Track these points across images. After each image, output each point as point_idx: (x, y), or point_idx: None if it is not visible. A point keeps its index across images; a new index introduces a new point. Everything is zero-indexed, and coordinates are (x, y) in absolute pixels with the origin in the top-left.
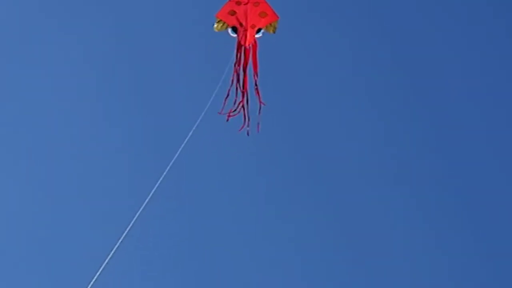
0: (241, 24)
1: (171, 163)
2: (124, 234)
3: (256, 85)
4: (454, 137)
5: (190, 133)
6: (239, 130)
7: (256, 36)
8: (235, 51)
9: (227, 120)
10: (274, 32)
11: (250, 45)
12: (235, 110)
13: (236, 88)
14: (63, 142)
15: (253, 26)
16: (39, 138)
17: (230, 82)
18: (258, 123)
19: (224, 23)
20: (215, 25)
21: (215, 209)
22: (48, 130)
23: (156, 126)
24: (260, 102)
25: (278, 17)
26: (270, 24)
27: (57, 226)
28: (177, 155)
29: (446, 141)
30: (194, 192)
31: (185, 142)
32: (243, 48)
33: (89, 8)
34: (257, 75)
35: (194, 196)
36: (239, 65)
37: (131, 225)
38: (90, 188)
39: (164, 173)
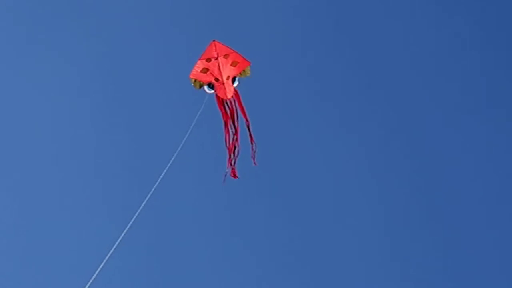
0: (216, 79)
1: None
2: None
3: (249, 130)
4: None
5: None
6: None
7: (234, 85)
8: (219, 107)
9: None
10: (248, 74)
11: (233, 96)
12: (233, 163)
13: (229, 142)
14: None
15: (228, 78)
16: (27, 146)
17: (225, 140)
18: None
19: (200, 81)
20: (192, 84)
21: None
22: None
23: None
24: (252, 142)
25: (249, 63)
26: (244, 71)
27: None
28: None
29: None
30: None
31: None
32: (225, 101)
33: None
34: (248, 121)
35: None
36: (226, 119)
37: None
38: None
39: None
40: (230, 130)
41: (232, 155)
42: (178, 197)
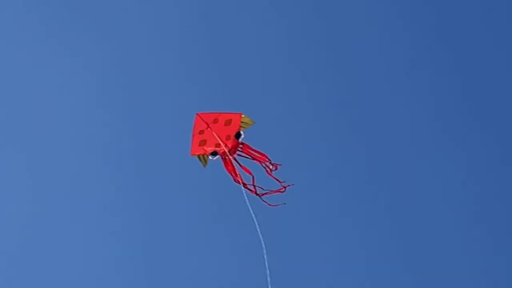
0: (217, 146)
1: None
2: None
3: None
4: None
5: None
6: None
7: (240, 140)
8: (228, 170)
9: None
10: (252, 123)
11: (240, 149)
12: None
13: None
14: None
15: (228, 137)
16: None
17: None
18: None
19: (203, 155)
20: (201, 162)
21: None
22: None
23: None
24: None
25: (240, 114)
26: (243, 122)
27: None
28: None
29: None
30: None
31: None
32: (233, 161)
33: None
34: (269, 161)
35: None
36: (239, 178)
37: None
38: None
39: None
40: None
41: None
42: None
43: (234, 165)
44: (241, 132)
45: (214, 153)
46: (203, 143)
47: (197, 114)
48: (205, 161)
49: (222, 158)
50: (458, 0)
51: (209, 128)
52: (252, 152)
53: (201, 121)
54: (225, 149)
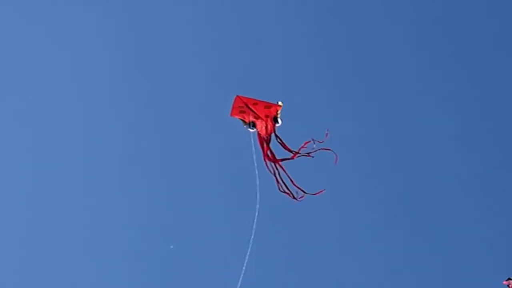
0: (256, 118)
1: None
2: None
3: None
4: None
5: None
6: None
7: (277, 125)
8: (260, 144)
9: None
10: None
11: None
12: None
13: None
14: None
15: (267, 116)
16: None
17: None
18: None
19: (243, 119)
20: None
21: None
22: None
23: None
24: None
25: (281, 106)
26: (277, 112)
27: None
28: None
29: None
30: None
31: None
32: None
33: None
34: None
35: None
36: (269, 158)
37: None
38: None
39: None
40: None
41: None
42: None
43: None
44: (279, 119)
45: (252, 125)
46: (243, 112)
47: (237, 96)
48: (245, 123)
49: (258, 133)
50: None
51: (248, 108)
52: (284, 144)
53: (241, 101)
54: (265, 125)
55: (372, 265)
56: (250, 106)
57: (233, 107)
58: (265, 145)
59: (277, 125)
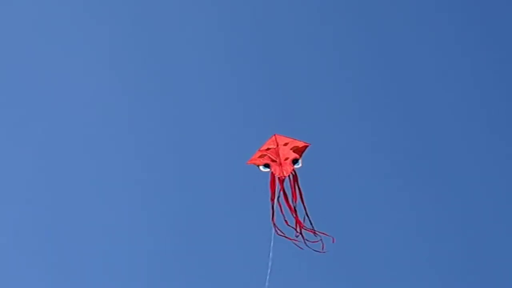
0: (273, 161)
1: None
2: None
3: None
4: None
5: None
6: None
7: (296, 167)
8: (270, 186)
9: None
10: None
11: (289, 176)
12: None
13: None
14: None
15: (286, 159)
16: None
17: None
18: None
19: (257, 164)
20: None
21: None
22: None
23: None
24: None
25: (308, 144)
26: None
27: None
28: None
29: None
30: None
31: None
32: (280, 180)
33: None
34: (303, 204)
35: None
36: (287, 201)
37: None
38: None
39: None
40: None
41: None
42: None
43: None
44: (300, 161)
45: (267, 166)
46: (262, 156)
47: (274, 134)
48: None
49: (271, 174)
50: None
51: (276, 148)
52: (298, 186)
53: (274, 141)
54: (283, 165)
55: None
56: (279, 147)
57: (260, 150)
58: (278, 186)
59: (296, 166)
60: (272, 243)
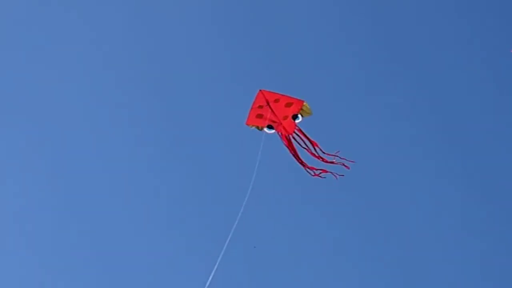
0: (273, 122)
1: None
2: None
3: (320, 156)
4: None
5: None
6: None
7: (297, 121)
8: (285, 143)
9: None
10: (311, 113)
11: (296, 132)
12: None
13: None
14: None
15: (285, 117)
16: None
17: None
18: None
19: (258, 126)
20: (251, 127)
21: None
22: None
23: None
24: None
25: (303, 101)
26: (303, 110)
27: None
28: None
29: None
30: None
31: None
32: (290, 137)
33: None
34: (318, 147)
35: None
36: (295, 154)
37: None
38: None
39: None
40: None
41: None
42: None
43: (292, 142)
44: (299, 115)
45: (270, 127)
46: (260, 116)
47: (260, 90)
48: (258, 128)
49: (279, 134)
50: None
51: (268, 105)
52: (307, 137)
53: (263, 97)
54: (284, 125)
55: None
56: (271, 105)
57: (252, 108)
58: (291, 144)
59: (297, 121)
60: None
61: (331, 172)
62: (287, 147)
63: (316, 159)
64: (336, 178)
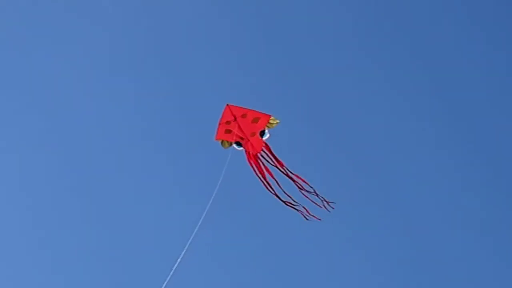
0: (241, 138)
1: None
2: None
3: (289, 177)
4: None
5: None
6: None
7: (264, 139)
8: (249, 162)
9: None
10: (278, 122)
11: (263, 149)
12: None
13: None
14: None
15: (253, 134)
16: None
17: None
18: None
19: (227, 141)
20: (221, 144)
21: None
22: None
23: None
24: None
25: (269, 116)
26: (270, 123)
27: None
28: None
29: None
30: None
31: None
32: (256, 156)
33: None
34: (284, 168)
35: None
36: (262, 174)
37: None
38: None
39: None
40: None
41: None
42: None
43: (259, 161)
44: (266, 131)
45: (239, 144)
46: (228, 131)
47: (227, 105)
48: (228, 145)
49: (245, 151)
50: None
51: (236, 121)
52: (274, 156)
53: (230, 112)
54: (252, 142)
55: None
56: (238, 120)
57: (220, 124)
58: (257, 163)
59: (264, 138)
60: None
61: (306, 212)
62: (253, 167)
63: (288, 179)
64: (307, 220)
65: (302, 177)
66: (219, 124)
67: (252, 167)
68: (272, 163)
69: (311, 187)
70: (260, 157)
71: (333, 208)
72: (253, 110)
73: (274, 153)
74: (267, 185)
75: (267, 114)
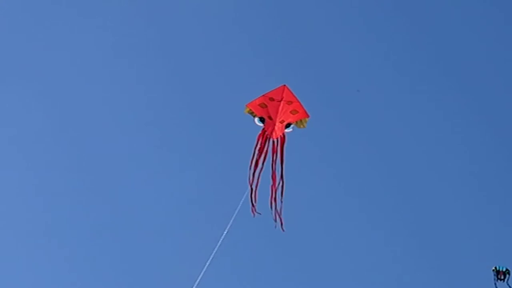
0: (270, 118)
1: None
2: None
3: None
4: None
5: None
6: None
7: (286, 130)
8: (258, 140)
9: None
10: (304, 127)
11: (278, 138)
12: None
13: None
14: None
15: (282, 121)
16: None
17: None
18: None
19: (253, 112)
20: (245, 111)
21: None
22: None
23: None
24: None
25: (308, 116)
26: (300, 121)
27: None
28: None
29: None
30: None
31: None
32: (268, 139)
33: None
34: (282, 165)
35: None
36: (259, 154)
37: None
38: None
39: None
40: (256, 169)
41: (253, 191)
42: None
43: (266, 144)
44: (292, 125)
45: (261, 120)
46: (263, 106)
47: (284, 85)
48: (249, 112)
49: (263, 129)
50: None
51: (279, 102)
52: (282, 149)
53: (281, 93)
54: (276, 127)
55: None
56: (282, 104)
57: (263, 96)
58: (263, 144)
59: (287, 130)
60: None
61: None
62: (257, 145)
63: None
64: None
65: (283, 185)
66: (262, 95)
67: (257, 144)
68: (274, 155)
69: (281, 201)
70: (271, 142)
71: (283, 230)
72: (300, 103)
73: (284, 147)
74: (253, 169)
75: (307, 113)
